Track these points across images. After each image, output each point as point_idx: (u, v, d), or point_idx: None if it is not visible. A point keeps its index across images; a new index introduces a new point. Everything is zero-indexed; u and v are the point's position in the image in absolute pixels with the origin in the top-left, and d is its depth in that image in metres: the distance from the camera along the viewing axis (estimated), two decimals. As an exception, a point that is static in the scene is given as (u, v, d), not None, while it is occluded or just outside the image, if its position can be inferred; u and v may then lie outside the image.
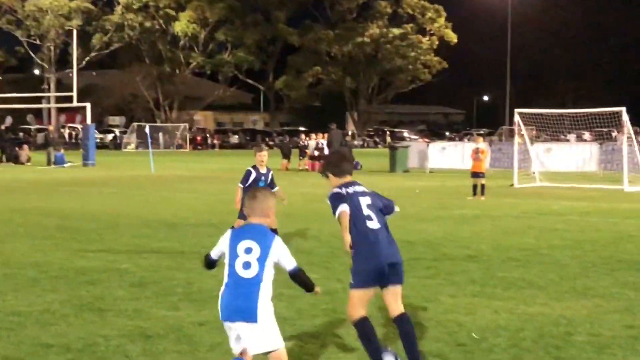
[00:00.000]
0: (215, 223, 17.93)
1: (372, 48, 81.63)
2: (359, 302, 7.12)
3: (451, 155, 41.21)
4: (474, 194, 25.00)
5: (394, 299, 7.20)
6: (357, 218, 7.16)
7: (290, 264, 6.46)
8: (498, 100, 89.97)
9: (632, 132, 30.79)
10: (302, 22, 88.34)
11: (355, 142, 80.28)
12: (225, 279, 6.31)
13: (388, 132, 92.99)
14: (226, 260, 6.36)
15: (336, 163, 7.60)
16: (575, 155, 39.20)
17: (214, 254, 6.69)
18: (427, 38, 79.65)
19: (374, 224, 7.18)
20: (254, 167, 13.53)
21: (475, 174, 25.21)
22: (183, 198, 25.11)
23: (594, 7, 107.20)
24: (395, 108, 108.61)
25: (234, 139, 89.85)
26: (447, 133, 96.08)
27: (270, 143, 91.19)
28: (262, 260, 6.26)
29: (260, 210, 6.47)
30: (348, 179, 7.44)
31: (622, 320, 8.89)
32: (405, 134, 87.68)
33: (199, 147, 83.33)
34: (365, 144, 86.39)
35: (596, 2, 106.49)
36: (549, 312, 9.33)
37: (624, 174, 28.77)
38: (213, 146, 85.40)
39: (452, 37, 79.57)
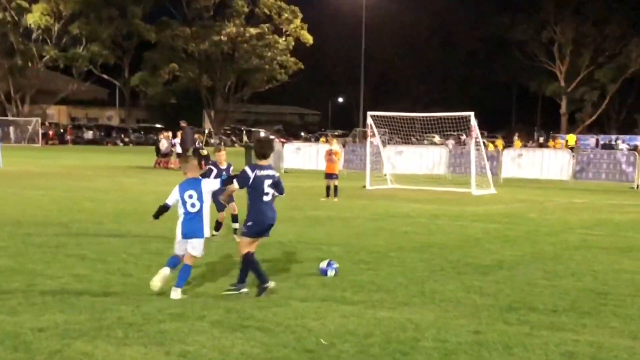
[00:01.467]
0: (64, 222, 17.36)
1: (229, 47, 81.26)
2: (247, 245, 10.52)
3: (306, 155, 41.48)
4: (327, 195, 25.18)
5: (257, 245, 10.74)
6: (258, 191, 10.41)
7: (215, 185, 10.72)
8: (352, 102, 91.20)
9: (479, 136, 31.68)
10: (159, 19, 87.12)
11: (212, 141, 79.69)
12: (181, 216, 10.31)
13: (245, 131, 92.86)
14: (179, 204, 10.31)
15: (262, 149, 10.71)
16: (426, 158, 40.12)
17: (169, 202, 10.49)
18: (283, 38, 79.92)
19: (267, 197, 10.48)
20: (214, 164, 15.73)
21: (329, 175, 25.41)
22: (32, 195, 24.24)
23: (443, 13, 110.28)
24: (252, 107, 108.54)
25: (89, 134, 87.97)
26: (302, 133, 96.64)
27: (126, 140, 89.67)
28: (200, 199, 10.26)
29: (191, 169, 10.61)
30: (264, 162, 10.54)
31: (468, 326, 8.99)
32: (262, 133, 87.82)
33: (52, 143, 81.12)
34: (222, 143, 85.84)
35: (445, 8, 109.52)
36: (397, 317, 9.36)
37: (472, 177, 29.57)
38: (66, 141, 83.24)
39: (308, 39, 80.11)
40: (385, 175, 33.12)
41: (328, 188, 25.28)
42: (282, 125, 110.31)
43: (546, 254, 14.36)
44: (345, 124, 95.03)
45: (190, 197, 10.22)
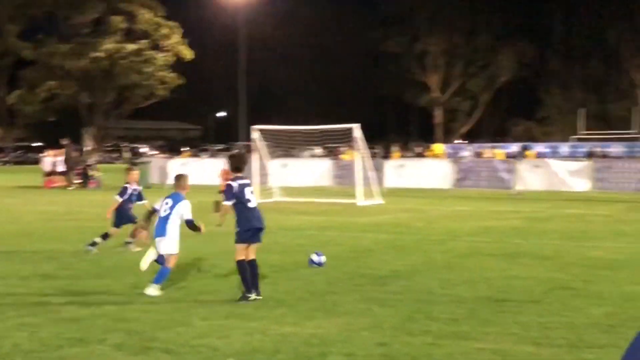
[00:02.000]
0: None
1: (108, 63, 79.75)
2: (241, 251, 11.52)
3: (191, 170, 41.11)
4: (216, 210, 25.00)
5: (253, 252, 11.66)
6: (242, 200, 11.58)
7: (188, 216, 12.09)
8: (234, 116, 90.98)
9: (364, 148, 32.07)
10: (35, 36, 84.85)
11: (94, 158, 78.07)
12: (158, 218, 11.99)
13: (127, 148, 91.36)
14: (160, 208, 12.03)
15: (236, 163, 12.16)
16: (311, 170, 40.36)
17: (156, 206, 12.35)
18: (162, 54, 79.07)
19: (252, 204, 11.68)
20: (129, 183, 16.97)
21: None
22: None
23: (319, 27, 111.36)
24: (133, 123, 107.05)
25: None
26: (185, 149, 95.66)
27: (5, 159, 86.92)
28: (172, 208, 11.90)
29: (181, 186, 12.41)
30: (240, 174, 11.91)
31: (373, 338, 9.05)
32: (146, 149, 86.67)
33: None
34: (103, 160, 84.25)
35: (321, 22, 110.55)
36: (301, 332, 9.37)
37: (357, 188, 29.90)
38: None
39: (188, 54, 79.43)
40: (271, 188, 33.17)
41: (217, 203, 25.11)
42: (163, 140, 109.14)
43: (438, 263, 14.64)
44: (227, 138, 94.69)
45: (167, 203, 11.99)
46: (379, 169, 35.89)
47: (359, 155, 31.35)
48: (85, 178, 41.18)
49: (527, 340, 8.99)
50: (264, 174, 33.67)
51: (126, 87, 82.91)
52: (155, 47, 79.05)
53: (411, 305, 10.81)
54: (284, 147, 38.91)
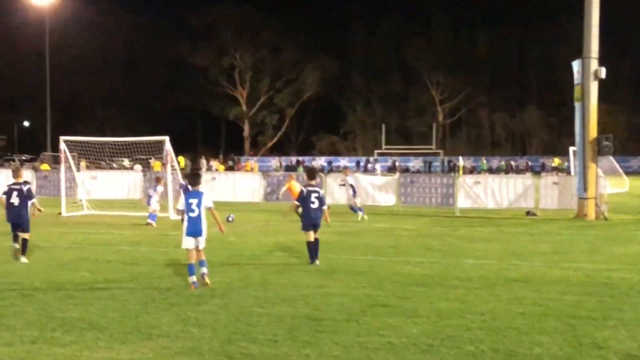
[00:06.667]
0: None
1: None
2: (308, 236, 16.40)
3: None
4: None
5: (315, 234, 16.55)
6: (308, 201, 16.38)
7: (209, 203, 13.75)
8: (39, 126, 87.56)
9: (174, 159, 31.55)
10: None
11: None
12: (186, 218, 13.61)
13: None
14: (185, 208, 13.66)
15: (311, 174, 17.38)
16: (122, 182, 39.37)
17: (180, 207, 13.87)
18: None
19: (315, 205, 16.39)
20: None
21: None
22: None
23: (126, 38, 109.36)
24: None
25: None
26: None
27: None
28: (199, 206, 13.54)
29: (198, 183, 14.04)
30: (313, 182, 16.84)
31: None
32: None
33: None
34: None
35: (128, 33, 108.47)
36: (114, 357, 8.94)
37: (170, 201, 29.34)
38: None
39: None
40: (80, 201, 32.04)
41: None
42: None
43: (254, 279, 14.44)
44: (32, 148, 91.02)
45: (192, 203, 13.60)
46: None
47: (168, 166, 30.76)
48: None
49: (350, 363, 8.89)
50: (72, 186, 32.53)
51: None
52: None
53: (230, 325, 10.54)
54: (91, 158, 37.67)
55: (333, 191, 34.85)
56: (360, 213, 29.07)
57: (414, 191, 34.64)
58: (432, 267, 16.28)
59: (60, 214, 29.72)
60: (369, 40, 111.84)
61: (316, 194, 16.47)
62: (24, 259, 16.73)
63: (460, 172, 54.47)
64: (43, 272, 15.15)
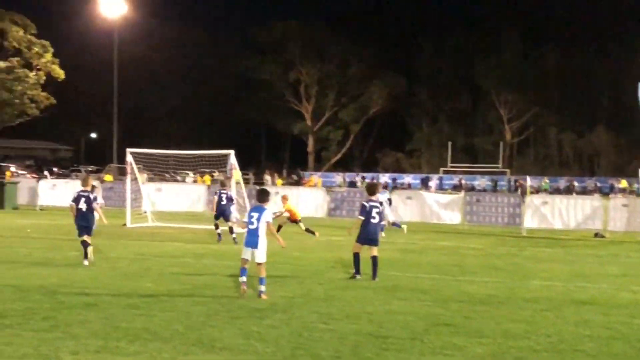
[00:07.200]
0: None
1: (-22, 80, 76.67)
2: (357, 248, 16.52)
3: (62, 192, 39.83)
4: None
5: (371, 251, 16.44)
6: (369, 216, 16.33)
7: (269, 218, 13.85)
8: (106, 138, 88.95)
9: (239, 173, 31.69)
10: None
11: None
12: (247, 230, 13.85)
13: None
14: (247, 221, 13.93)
15: (371, 189, 17.19)
16: (185, 195, 39.71)
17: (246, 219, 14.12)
18: (34, 73, 76.58)
19: (374, 220, 16.38)
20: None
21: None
22: None
23: (192, 52, 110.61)
24: (1, 142, 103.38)
25: None
26: (55, 169, 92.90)
27: None
28: (258, 220, 13.72)
29: (265, 200, 14.17)
30: (374, 197, 16.74)
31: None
32: (13, 168, 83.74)
33: None
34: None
35: (195, 47, 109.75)
36: (177, 369, 8.93)
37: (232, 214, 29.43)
38: None
39: (60, 74, 77.02)
40: (145, 212, 32.37)
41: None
42: (33, 160, 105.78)
43: (317, 295, 14.36)
44: (99, 160, 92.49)
45: (253, 217, 13.81)
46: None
47: (232, 180, 30.90)
48: None
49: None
50: (137, 198, 32.90)
51: (-4, 104, 79.91)
52: (27, 65, 76.55)
53: (292, 340, 10.43)
54: (156, 170, 38.10)
55: (397, 207, 34.60)
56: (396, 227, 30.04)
57: (480, 210, 34.33)
58: (498, 287, 16.01)
59: (125, 224, 30.04)
60: (437, 56, 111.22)
61: (377, 209, 16.42)
62: (85, 262, 17.89)
63: (528, 192, 53.74)
64: (108, 281, 15.28)
